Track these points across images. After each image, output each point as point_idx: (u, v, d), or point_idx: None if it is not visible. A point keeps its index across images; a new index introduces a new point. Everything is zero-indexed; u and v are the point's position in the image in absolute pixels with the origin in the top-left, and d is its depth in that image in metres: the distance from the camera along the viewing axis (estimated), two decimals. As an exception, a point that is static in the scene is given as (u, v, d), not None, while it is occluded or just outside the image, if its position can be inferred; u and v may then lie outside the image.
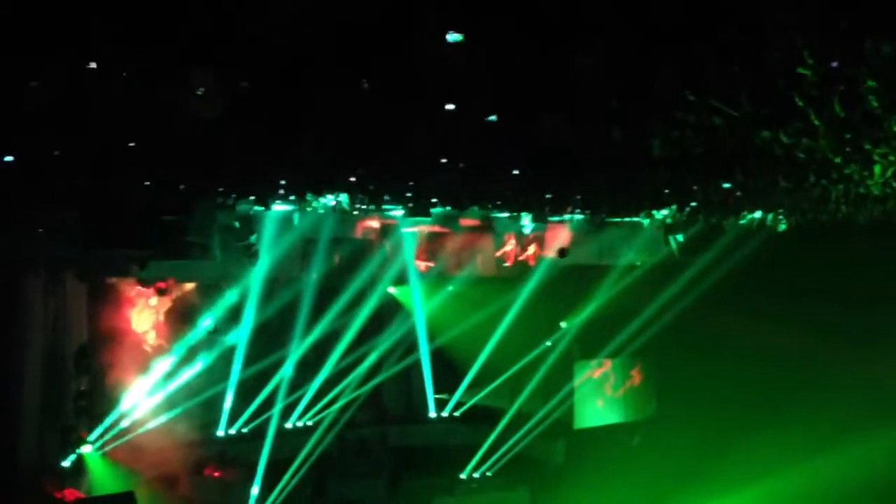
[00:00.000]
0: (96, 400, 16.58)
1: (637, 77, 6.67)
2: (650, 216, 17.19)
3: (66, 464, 16.15)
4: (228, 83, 7.17)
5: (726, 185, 12.14)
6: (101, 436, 16.59)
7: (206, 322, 18.46)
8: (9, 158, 9.56)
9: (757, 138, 8.13)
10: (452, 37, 5.47)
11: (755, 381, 19.48)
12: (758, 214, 16.37)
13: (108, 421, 16.90)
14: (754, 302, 19.39)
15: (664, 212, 16.42)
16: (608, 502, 19.32)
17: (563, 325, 21.47)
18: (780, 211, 15.99)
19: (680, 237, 17.74)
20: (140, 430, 17.65)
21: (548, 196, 14.70)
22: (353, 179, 12.54)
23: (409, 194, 14.25)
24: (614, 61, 6.23)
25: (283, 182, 13.27)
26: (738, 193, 12.94)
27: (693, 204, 15.02)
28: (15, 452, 15.32)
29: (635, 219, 18.28)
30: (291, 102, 8.03)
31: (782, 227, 17.06)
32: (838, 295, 18.02)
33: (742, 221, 16.84)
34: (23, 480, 15.12)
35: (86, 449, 16.46)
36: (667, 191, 13.42)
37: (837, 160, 8.74)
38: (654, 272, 20.04)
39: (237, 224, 16.44)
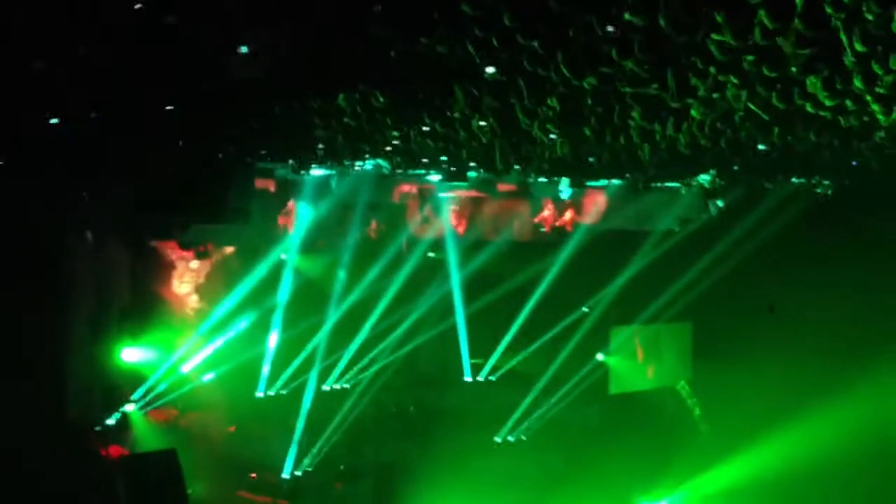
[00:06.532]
0: (140, 360, 16.90)
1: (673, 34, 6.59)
2: (690, 181, 16.99)
3: (110, 422, 16.57)
4: (269, 42, 7.22)
5: (762, 147, 11.97)
6: (145, 395, 16.95)
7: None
8: (54, 121, 9.73)
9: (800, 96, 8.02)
10: None
11: (793, 347, 19.31)
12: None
13: (151, 381, 17.26)
14: (793, 268, 19.16)
15: (705, 176, 16.21)
16: (642, 467, 19.36)
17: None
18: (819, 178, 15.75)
19: (720, 202, 17.51)
20: (182, 390, 18.03)
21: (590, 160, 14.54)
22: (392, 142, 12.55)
23: (445, 157, 14.20)
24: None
25: (321, 146, 13.32)
26: (775, 155, 12.75)
27: (735, 168, 14.81)
28: (61, 410, 15.74)
29: (675, 184, 18.07)
30: (329, 63, 8.05)
31: (827, 191, 16.79)
32: (876, 260, 17.81)
33: (785, 186, 16.60)
34: (69, 438, 15.53)
35: (129, 407, 16.85)
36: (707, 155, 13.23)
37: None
38: (693, 238, 19.83)
39: (276, 189, 16.59)
